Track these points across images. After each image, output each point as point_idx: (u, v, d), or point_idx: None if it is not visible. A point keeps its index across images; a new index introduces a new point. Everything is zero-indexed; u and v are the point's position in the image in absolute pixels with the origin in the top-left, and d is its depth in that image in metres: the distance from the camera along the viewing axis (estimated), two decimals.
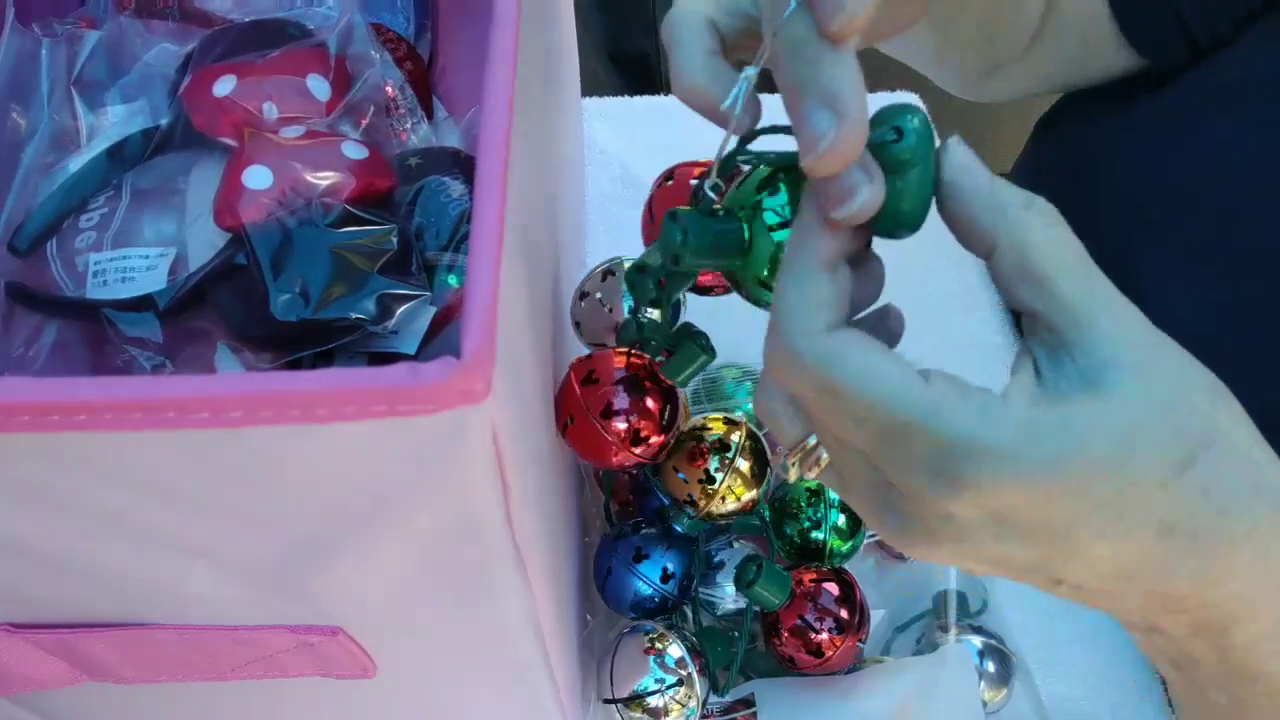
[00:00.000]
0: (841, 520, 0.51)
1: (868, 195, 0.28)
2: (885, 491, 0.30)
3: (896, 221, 0.29)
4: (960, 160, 0.29)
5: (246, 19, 0.44)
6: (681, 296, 0.44)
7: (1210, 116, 0.52)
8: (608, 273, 0.47)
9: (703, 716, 0.49)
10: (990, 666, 0.51)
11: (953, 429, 0.27)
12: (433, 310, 0.37)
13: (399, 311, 0.36)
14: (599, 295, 0.47)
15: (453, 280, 0.38)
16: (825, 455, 0.32)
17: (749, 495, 0.46)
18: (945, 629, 0.52)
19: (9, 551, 0.27)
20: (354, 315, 0.35)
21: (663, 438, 0.42)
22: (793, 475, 0.33)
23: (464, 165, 0.41)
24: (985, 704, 0.50)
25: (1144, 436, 0.28)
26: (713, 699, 0.50)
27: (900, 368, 0.28)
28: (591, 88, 0.75)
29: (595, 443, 0.41)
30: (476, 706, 0.42)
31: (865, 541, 0.53)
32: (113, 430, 0.21)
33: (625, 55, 1.05)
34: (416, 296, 0.36)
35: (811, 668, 0.49)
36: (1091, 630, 0.57)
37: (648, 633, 0.48)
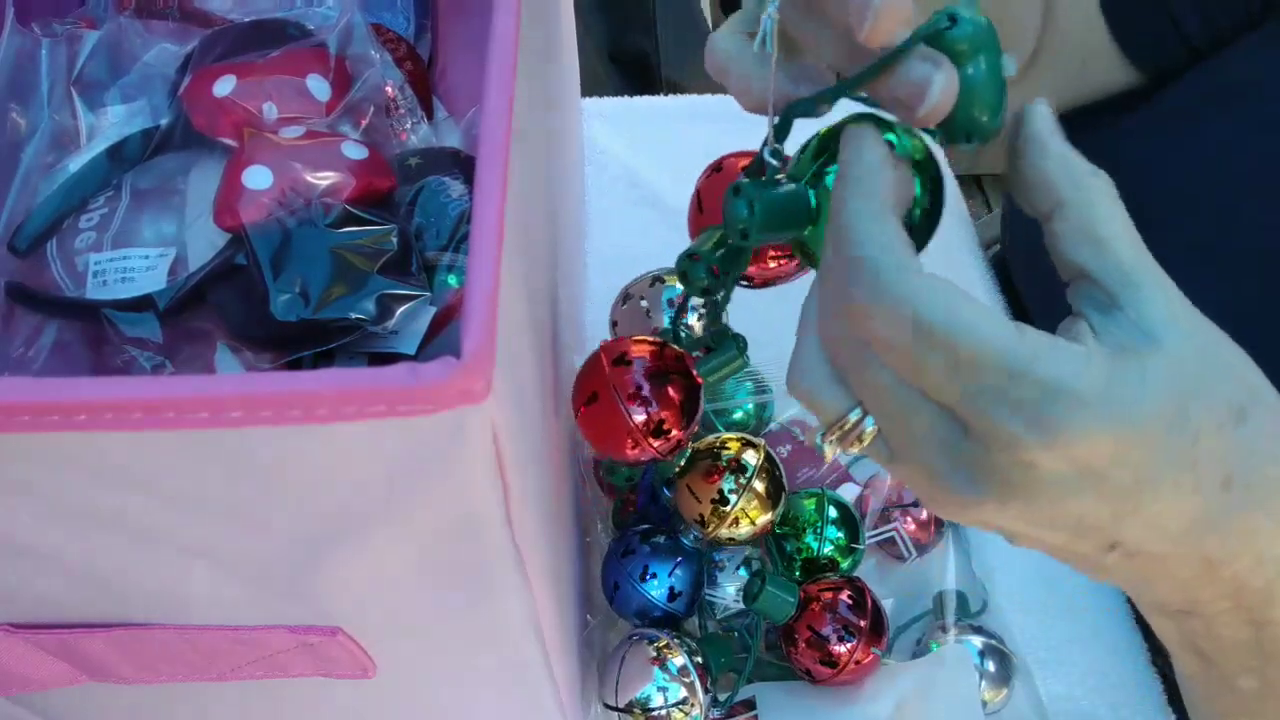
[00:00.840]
0: (840, 536, 0.51)
1: (943, 80, 0.28)
2: (956, 448, 0.30)
3: (968, 123, 0.29)
4: (1048, 117, 0.31)
5: (246, 19, 0.44)
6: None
7: (1210, 117, 0.52)
8: (656, 279, 0.47)
9: None
10: (990, 666, 0.51)
11: (1052, 376, 0.28)
12: (433, 310, 0.37)
13: (399, 311, 0.36)
14: (643, 300, 0.46)
15: (453, 280, 0.38)
16: (868, 430, 0.31)
17: (764, 518, 0.46)
18: (945, 629, 0.52)
19: (9, 551, 0.27)
20: (354, 315, 0.35)
21: (682, 434, 0.41)
22: (829, 454, 0.32)
23: (464, 165, 0.41)
24: (985, 704, 0.50)
25: (1208, 386, 0.29)
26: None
27: (997, 314, 0.29)
28: (591, 88, 0.74)
29: (613, 427, 0.39)
30: (476, 706, 0.42)
31: (866, 544, 0.53)
32: (113, 430, 0.21)
33: (625, 55, 1.05)
34: (416, 296, 0.36)
35: (829, 680, 0.48)
36: (1091, 630, 0.57)
37: (652, 641, 0.48)
